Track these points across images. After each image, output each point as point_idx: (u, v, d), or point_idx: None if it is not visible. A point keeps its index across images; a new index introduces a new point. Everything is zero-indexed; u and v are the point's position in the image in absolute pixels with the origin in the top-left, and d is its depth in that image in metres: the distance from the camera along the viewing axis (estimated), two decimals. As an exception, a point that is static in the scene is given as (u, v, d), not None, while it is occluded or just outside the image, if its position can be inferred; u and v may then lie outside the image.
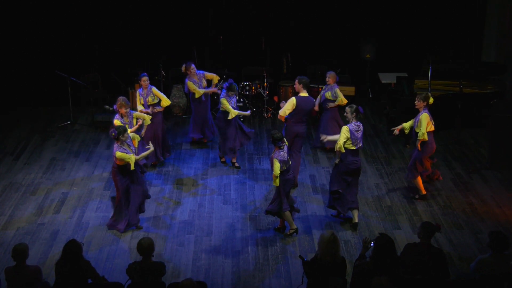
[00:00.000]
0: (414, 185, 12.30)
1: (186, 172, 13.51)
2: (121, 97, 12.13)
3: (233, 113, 13.18)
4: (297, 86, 12.45)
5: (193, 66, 14.06)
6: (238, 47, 17.84)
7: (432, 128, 11.93)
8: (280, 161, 10.58)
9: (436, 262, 8.40)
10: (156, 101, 13.28)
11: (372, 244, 8.17)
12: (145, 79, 13.21)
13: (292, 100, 12.22)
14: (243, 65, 17.64)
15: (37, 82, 17.45)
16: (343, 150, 11.06)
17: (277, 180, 10.65)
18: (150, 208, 11.96)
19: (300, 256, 8.63)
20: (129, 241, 10.88)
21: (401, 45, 17.70)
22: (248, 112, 13.97)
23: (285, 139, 10.86)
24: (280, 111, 12.33)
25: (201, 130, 14.55)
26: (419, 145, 11.93)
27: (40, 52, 17.39)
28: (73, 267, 8.28)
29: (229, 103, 13.15)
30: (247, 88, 16.32)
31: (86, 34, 17.47)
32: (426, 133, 11.79)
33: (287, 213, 10.92)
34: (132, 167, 10.78)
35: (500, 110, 13.49)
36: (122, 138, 10.71)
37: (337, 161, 11.28)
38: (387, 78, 16.89)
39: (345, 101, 13.97)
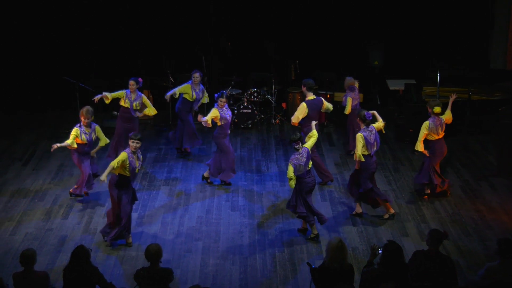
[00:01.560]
0: (419, 187, 12.49)
1: (194, 179, 13.54)
2: (86, 107, 12.07)
3: (209, 118, 12.65)
4: (304, 90, 12.79)
5: (198, 74, 14.10)
6: (246, 53, 17.91)
7: (438, 137, 12.06)
8: (295, 165, 10.70)
9: (444, 269, 8.38)
10: (139, 107, 13.55)
11: (380, 251, 8.17)
12: (131, 83, 13.39)
13: (303, 106, 12.47)
14: (251, 71, 17.69)
15: (45, 88, 17.57)
16: (363, 159, 11.24)
17: (292, 182, 10.82)
18: (158, 214, 12.01)
19: (308, 263, 8.67)
20: (136, 247, 10.90)
21: (409, 52, 17.74)
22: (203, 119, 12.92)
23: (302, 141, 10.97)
24: (292, 118, 12.62)
25: (191, 139, 14.54)
26: (425, 152, 12.08)
27: (49, 58, 17.52)
28: (81, 272, 8.31)
29: (219, 112, 12.68)
30: (255, 94, 16.34)
31: (94, 40, 17.61)
32: (420, 144, 12.00)
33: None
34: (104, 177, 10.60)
35: (508, 117, 13.51)
36: (130, 142, 10.67)
37: (357, 166, 11.51)
38: (395, 84, 16.90)
39: (349, 110, 14.22)
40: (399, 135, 15.48)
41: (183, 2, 17.66)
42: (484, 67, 17.12)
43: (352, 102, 14.26)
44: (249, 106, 16.25)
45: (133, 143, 10.61)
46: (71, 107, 16.38)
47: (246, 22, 17.86)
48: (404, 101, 15.49)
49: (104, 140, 12.40)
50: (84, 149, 12.04)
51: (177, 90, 14.13)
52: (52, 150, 11.83)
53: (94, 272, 8.43)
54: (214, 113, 12.64)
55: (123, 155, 10.56)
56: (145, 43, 17.81)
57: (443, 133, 12.12)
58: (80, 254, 8.33)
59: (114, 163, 10.50)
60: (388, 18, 17.70)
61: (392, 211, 11.80)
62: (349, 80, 14.44)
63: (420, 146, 12.06)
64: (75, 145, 11.86)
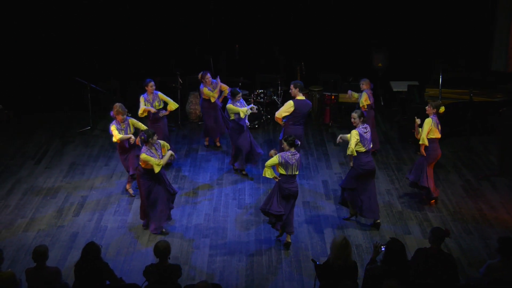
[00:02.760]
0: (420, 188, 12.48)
1: (202, 176, 13.71)
2: (117, 104, 12.36)
3: (242, 111, 13.22)
4: (293, 90, 12.83)
5: (208, 75, 14.37)
6: (253, 55, 18.06)
7: (437, 136, 12.01)
8: (283, 158, 10.54)
9: (446, 266, 8.47)
10: (161, 106, 13.67)
11: (383, 249, 8.27)
12: (151, 85, 13.57)
13: (290, 103, 12.67)
14: (257, 72, 17.87)
15: (58, 88, 17.73)
16: (355, 154, 11.29)
17: (268, 172, 10.67)
18: (167, 212, 12.22)
19: (312, 260, 8.76)
20: (146, 243, 11.06)
21: (412, 54, 17.82)
22: (255, 106, 13.80)
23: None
24: (276, 113, 12.82)
25: (212, 134, 14.98)
26: (422, 150, 12.05)
27: (61, 59, 17.67)
28: (92, 268, 8.43)
29: (236, 107, 13.28)
30: (261, 95, 16.53)
31: (105, 42, 17.77)
32: (426, 138, 11.88)
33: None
34: (156, 171, 10.95)
35: (509, 118, 13.54)
36: (151, 141, 10.94)
37: (351, 163, 11.51)
38: (398, 86, 17.02)
39: (366, 102, 14.10)
40: (402, 135, 15.59)
41: (191, 4, 17.84)
42: (485, 69, 17.21)
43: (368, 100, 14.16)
44: (256, 107, 16.42)
45: (156, 137, 11.08)
46: (83, 107, 16.64)
47: (253, 24, 18.00)
48: (407, 102, 15.64)
49: (143, 126, 12.48)
50: (125, 145, 12.34)
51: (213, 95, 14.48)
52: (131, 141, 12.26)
53: (105, 268, 8.53)
54: (232, 106, 13.26)
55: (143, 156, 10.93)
56: (155, 45, 17.99)
57: (440, 135, 12.12)
58: (91, 250, 8.45)
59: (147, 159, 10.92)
60: (392, 21, 17.77)
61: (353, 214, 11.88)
62: (367, 81, 14.30)
63: (426, 140, 11.90)
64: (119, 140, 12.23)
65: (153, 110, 13.53)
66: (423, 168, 12.17)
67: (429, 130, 11.92)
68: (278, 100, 16.66)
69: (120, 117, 12.26)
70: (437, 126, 11.99)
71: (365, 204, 11.52)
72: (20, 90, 17.74)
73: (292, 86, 12.89)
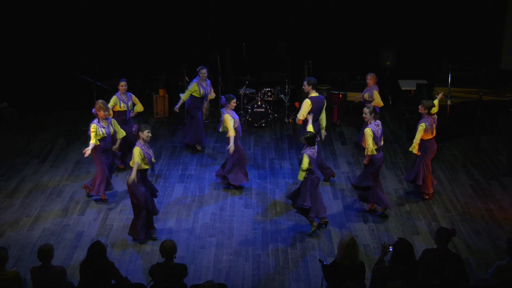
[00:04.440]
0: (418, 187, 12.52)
1: (208, 176, 13.67)
2: (100, 100, 12.23)
3: (231, 132, 12.48)
4: (306, 87, 12.90)
5: (205, 70, 14.34)
6: (260, 53, 18.02)
7: (430, 135, 12.09)
8: (310, 157, 10.87)
9: (454, 266, 8.42)
10: (132, 108, 13.73)
11: (391, 249, 8.23)
12: (122, 84, 13.57)
13: (308, 102, 12.67)
14: (264, 71, 17.81)
15: (63, 87, 17.74)
16: (375, 152, 11.38)
17: (303, 174, 10.94)
18: (173, 211, 12.16)
19: (319, 260, 8.75)
20: (152, 243, 11.03)
21: (421, 52, 17.78)
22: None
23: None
24: (298, 115, 12.76)
25: (197, 137, 14.80)
26: (417, 152, 12.13)
27: (66, 57, 17.69)
28: (97, 268, 8.40)
29: (231, 120, 12.47)
30: (268, 94, 16.46)
31: (110, 40, 17.77)
32: (417, 146, 12.02)
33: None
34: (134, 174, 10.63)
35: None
36: (141, 134, 10.71)
37: (365, 161, 11.61)
38: (407, 85, 16.96)
39: (381, 103, 14.16)
40: (410, 134, 15.52)
41: (197, 3, 17.81)
42: (495, 68, 17.14)
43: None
44: (263, 105, 16.39)
45: (148, 133, 10.74)
46: (88, 105, 16.56)
47: (261, 22, 17.96)
48: (416, 101, 15.54)
49: (121, 133, 12.52)
50: (105, 146, 12.08)
51: (185, 95, 14.37)
52: (86, 155, 11.92)
53: (110, 268, 8.50)
54: (229, 119, 12.50)
55: (137, 150, 10.61)
56: (161, 43, 17.97)
57: (435, 133, 12.15)
58: (97, 249, 8.43)
59: (137, 160, 10.57)
60: (401, 19, 17.75)
61: (379, 209, 11.98)
62: (373, 75, 14.25)
63: (416, 148, 12.06)
64: (98, 142, 11.98)
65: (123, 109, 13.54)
66: (419, 166, 12.26)
67: (421, 137, 12.02)
68: (285, 99, 16.60)
69: (102, 113, 12.07)
70: (431, 127, 12.05)
71: (384, 195, 11.87)
72: (25, 88, 17.76)
73: (305, 83, 12.92)
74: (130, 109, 13.66)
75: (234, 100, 12.67)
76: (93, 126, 11.98)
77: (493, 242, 11.11)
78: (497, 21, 17.46)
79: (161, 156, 14.65)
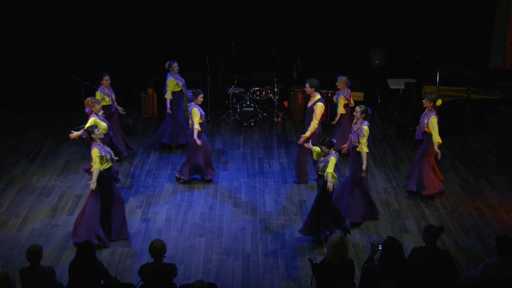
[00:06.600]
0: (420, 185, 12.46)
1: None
2: (88, 98, 12.49)
3: (196, 126, 12.50)
4: (309, 89, 12.57)
5: (175, 64, 14.39)
6: (250, 53, 18.02)
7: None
8: (337, 159, 10.52)
9: (444, 263, 8.46)
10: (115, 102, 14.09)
11: (380, 248, 8.24)
12: (106, 79, 13.92)
13: (321, 105, 12.40)
14: (254, 70, 17.81)
15: (52, 86, 17.71)
16: (367, 150, 11.32)
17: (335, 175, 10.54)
18: (162, 210, 12.14)
19: (309, 259, 8.75)
20: (141, 243, 11.01)
21: (410, 51, 17.80)
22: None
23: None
24: (314, 123, 12.41)
25: (173, 135, 14.81)
26: (436, 149, 11.92)
27: (55, 57, 17.66)
28: (87, 268, 8.38)
29: (198, 114, 12.49)
30: (257, 93, 16.46)
31: (100, 39, 17.74)
32: (438, 136, 11.85)
33: None
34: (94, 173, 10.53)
35: (507, 116, 13.58)
36: (93, 135, 10.61)
37: (364, 163, 11.33)
38: (395, 84, 16.99)
39: (343, 111, 13.85)
40: (399, 133, 15.57)
41: (186, 3, 17.79)
42: (483, 67, 17.19)
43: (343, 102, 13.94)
44: (252, 105, 16.38)
45: (98, 131, 10.67)
46: (77, 106, 16.55)
47: (250, 22, 17.97)
48: (405, 100, 15.59)
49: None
50: (105, 139, 12.07)
51: (168, 94, 14.37)
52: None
53: (100, 268, 8.49)
54: (196, 113, 12.51)
55: (95, 152, 10.49)
56: (150, 43, 17.95)
57: None
58: (86, 250, 8.40)
59: (97, 165, 10.46)
60: (390, 18, 17.79)
61: None
62: (344, 79, 14.06)
63: (439, 138, 11.86)
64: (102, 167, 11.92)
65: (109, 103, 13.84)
66: (420, 170, 12.23)
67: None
68: (274, 98, 16.59)
69: (97, 107, 12.30)
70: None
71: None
72: (14, 88, 17.70)
73: (307, 85, 12.57)
74: (114, 102, 14.02)
75: (201, 95, 12.67)
76: (92, 119, 12.09)
77: (482, 240, 11.14)
78: (486, 20, 17.51)
79: (150, 156, 14.62)
